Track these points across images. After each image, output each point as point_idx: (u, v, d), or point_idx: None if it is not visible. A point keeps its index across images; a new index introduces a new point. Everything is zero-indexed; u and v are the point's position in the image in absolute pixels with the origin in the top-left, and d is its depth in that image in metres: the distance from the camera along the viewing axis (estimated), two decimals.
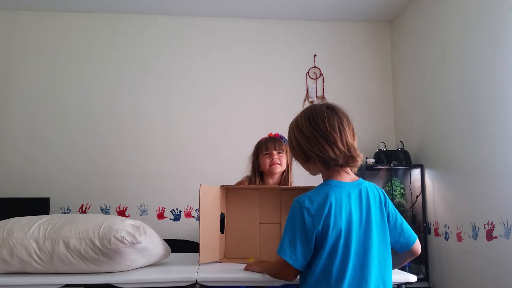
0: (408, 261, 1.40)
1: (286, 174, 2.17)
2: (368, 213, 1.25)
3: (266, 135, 2.23)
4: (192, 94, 3.75)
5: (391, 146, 3.55)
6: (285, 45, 3.89)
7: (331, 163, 1.23)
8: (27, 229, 1.47)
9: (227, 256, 1.81)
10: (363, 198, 1.26)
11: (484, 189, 2.62)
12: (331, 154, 1.22)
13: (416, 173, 3.42)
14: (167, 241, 1.79)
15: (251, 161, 2.21)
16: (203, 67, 3.79)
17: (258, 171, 2.17)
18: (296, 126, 1.29)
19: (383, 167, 3.52)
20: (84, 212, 3.53)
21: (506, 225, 2.41)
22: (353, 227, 1.21)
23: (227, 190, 1.86)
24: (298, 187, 1.81)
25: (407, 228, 1.34)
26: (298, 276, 1.29)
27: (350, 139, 1.24)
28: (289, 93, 3.82)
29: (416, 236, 1.36)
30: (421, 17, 3.44)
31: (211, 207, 1.72)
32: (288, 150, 2.11)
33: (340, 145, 1.22)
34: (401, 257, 1.38)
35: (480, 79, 2.68)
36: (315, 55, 3.89)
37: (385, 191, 3.47)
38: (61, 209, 3.51)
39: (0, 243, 1.44)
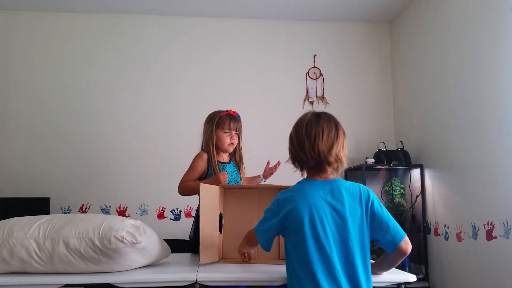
0: (399, 261, 1.41)
1: (239, 150, 2.28)
2: (342, 208, 1.33)
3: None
4: (193, 94, 3.75)
5: (391, 146, 3.55)
6: (285, 45, 3.88)
7: (302, 164, 1.41)
8: (27, 229, 1.47)
9: (225, 257, 1.81)
10: (335, 194, 1.35)
11: (484, 189, 2.62)
12: (302, 156, 1.39)
13: (416, 173, 3.42)
14: (167, 241, 1.79)
15: (207, 130, 2.22)
16: (203, 67, 3.79)
17: (213, 143, 2.19)
18: (292, 130, 1.46)
19: (383, 167, 3.52)
20: (84, 212, 3.53)
21: (506, 225, 2.41)
22: (318, 218, 1.31)
23: (224, 190, 1.86)
24: None
25: (394, 226, 1.36)
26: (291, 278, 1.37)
27: (322, 146, 1.36)
28: (289, 93, 3.82)
29: (404, 234, 1.37)
30: (421, 17, 3.44)
31: (211, 207, 1.72)
32: (241, 129, 2.29)
33: (309, 150, 1.37)
34: (391, 257, 1.40)
35: (480, 79, 2.68)
36: (315, 55, 3.89)
37: (385, 191, 3.48)
38: (61, 209, 3.51)
39: (0, 243, 1.44)
